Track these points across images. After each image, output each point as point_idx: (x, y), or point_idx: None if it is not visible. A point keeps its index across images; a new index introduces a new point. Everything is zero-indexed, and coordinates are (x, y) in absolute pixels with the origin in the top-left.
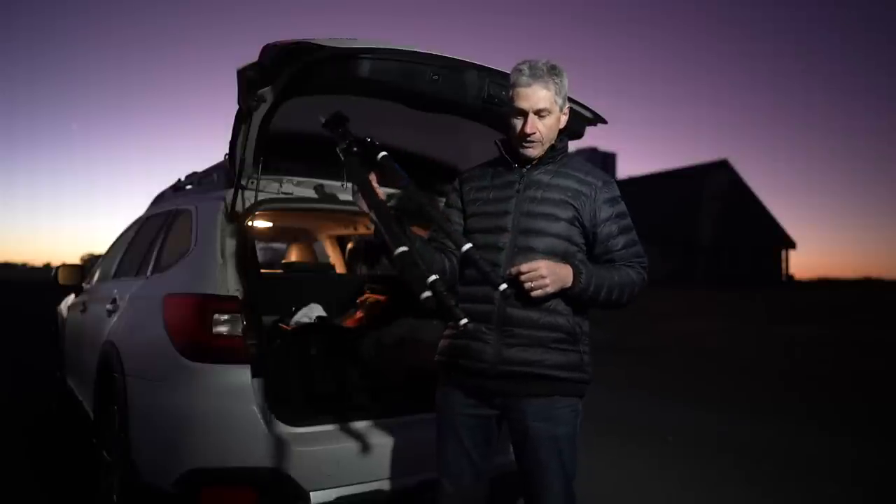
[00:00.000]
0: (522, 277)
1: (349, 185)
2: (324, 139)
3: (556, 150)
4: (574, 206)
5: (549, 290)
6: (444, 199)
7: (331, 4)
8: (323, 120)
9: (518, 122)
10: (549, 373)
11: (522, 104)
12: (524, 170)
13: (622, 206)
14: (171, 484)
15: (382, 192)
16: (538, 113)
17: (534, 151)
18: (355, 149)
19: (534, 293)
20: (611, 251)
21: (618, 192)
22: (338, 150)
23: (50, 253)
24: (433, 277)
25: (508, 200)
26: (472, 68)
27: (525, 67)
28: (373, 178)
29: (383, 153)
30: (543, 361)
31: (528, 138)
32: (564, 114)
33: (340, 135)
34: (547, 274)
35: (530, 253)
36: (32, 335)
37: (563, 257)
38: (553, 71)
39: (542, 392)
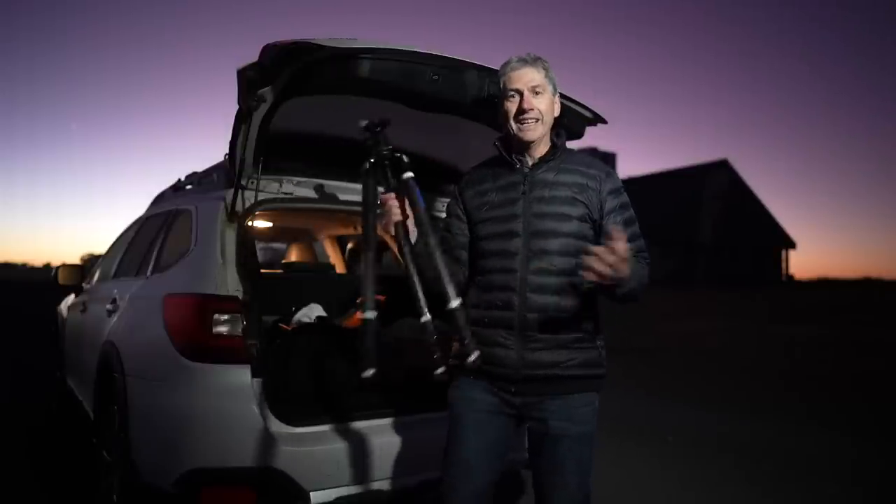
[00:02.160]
0: (611, 259)
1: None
2: (324, 139)
3: (556, 148)
4: (583, 202)
5: (624, 276)
6: (446, 201)
7: (331, 4)
8: (365, 123)
9: (514, 103)
10: (572, 372)
11: (517, 84)
12: (526, 169)
13: (625, 198)
14: (171, 484)
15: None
16: (533, 90)
17: (533, 133)
18: (386, 162)
19: (600, 277)
20: None
21: (620, 184)
22: (368, 159)
23: (50, 253)
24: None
25: (515, 203)
26: (472, 68)
27: (513, 57)
28: (392, 200)
29: (410, 174)
30: (567, 362)
31: (527, 115)
32: (557, 102)
33: (376, 142)
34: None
35: (545, 256)
36: (32, 335)
37: (575, 256)
38: (540, 59)
39: (563, 391)
